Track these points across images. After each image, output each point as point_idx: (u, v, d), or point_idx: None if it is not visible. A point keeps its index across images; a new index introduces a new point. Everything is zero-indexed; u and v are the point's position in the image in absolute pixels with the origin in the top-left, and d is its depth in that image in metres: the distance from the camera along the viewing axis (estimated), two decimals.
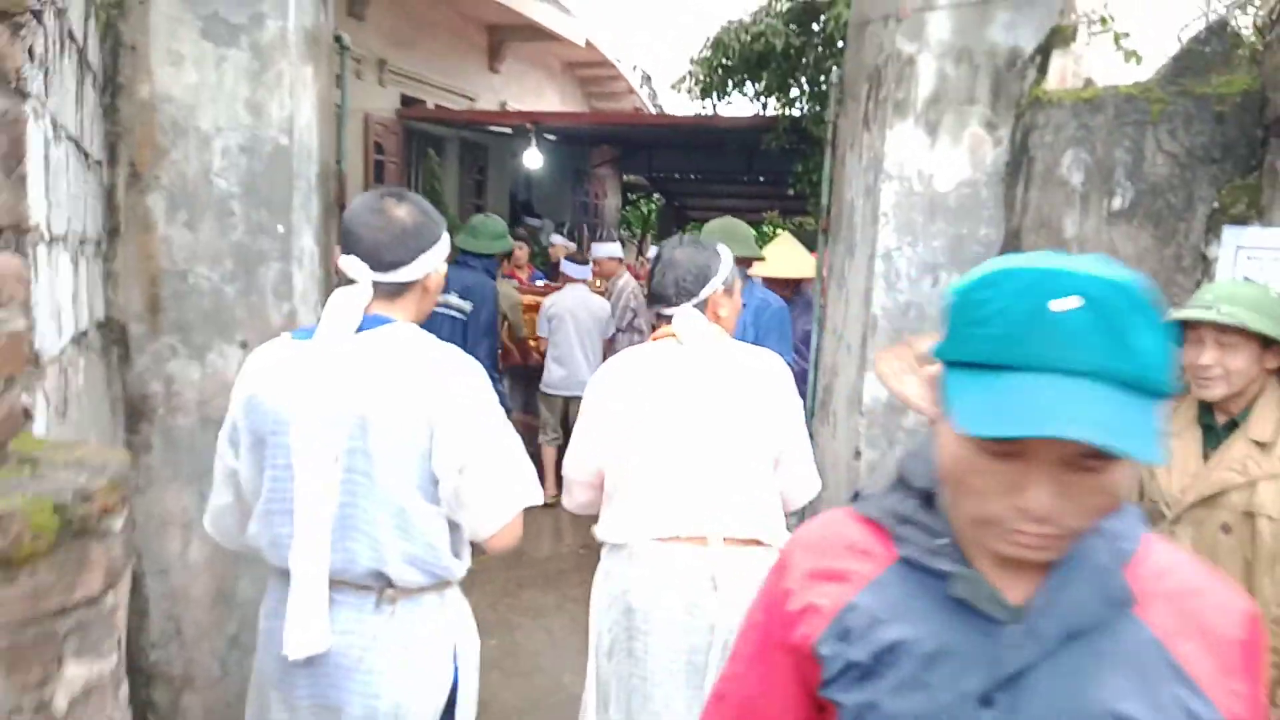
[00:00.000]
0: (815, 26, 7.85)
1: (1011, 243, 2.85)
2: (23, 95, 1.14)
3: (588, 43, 11.18)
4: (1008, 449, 0.81)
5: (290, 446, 1.58)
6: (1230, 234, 2.54)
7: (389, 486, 1.60)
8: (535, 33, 10.25)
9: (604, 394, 2.15)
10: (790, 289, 4.39)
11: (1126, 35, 3.17)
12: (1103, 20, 3.13)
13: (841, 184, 3.38)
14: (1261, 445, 2.00)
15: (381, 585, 1.64)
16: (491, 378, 4.27)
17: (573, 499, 2.26)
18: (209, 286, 2.65)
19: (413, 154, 9.26)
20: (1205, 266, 2.56)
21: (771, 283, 4.29)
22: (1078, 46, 3.01)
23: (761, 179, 11.58)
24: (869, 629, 0.93)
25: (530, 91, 11.97)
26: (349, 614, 1.63)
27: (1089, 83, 2.85)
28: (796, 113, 7.99)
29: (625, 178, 14.49)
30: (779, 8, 7.94)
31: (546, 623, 4.24)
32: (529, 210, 11.62)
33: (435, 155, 9.45)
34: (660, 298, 2.17)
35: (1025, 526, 0.83)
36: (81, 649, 1.13)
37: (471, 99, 10.30)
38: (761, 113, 8.47)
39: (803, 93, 8.09)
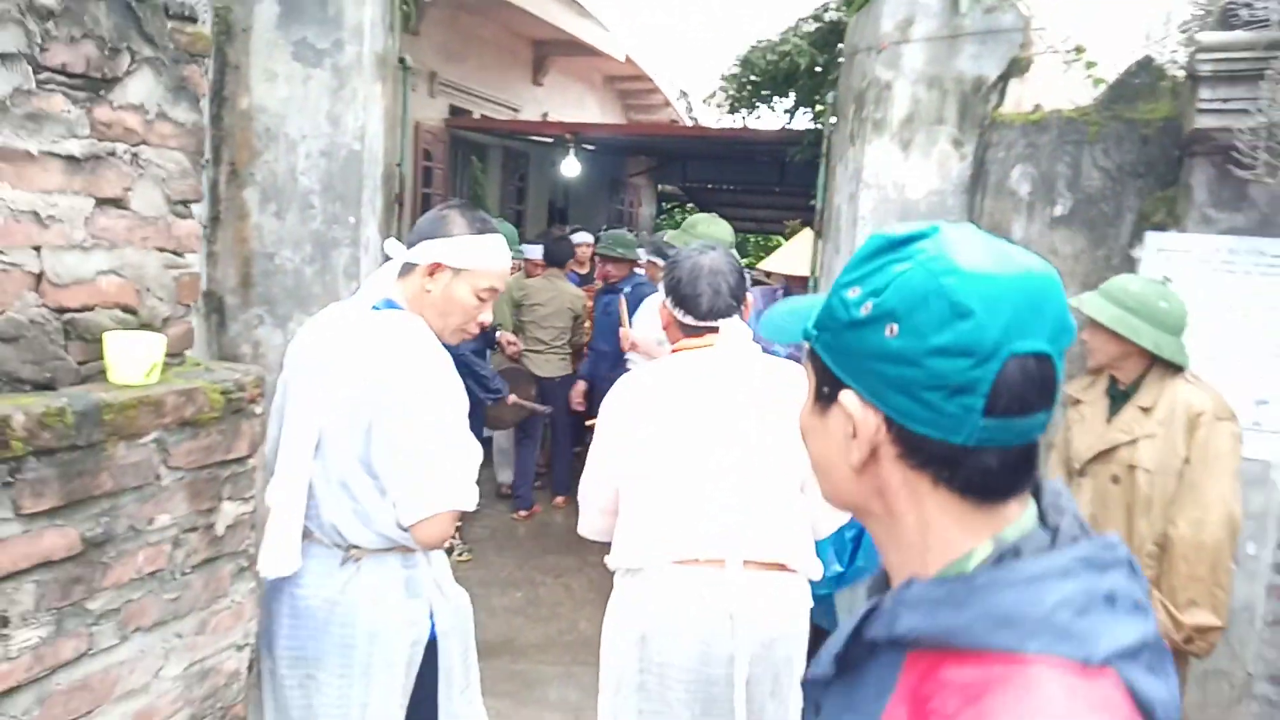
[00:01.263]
0: (840, 45, 8.30)
1: None
2: (200, 111, 1.67)
3: (627, 58, 11.74)
4: None
5: (291, 395, 1.63)
6: (1152, 238, 2.97)
7: (338, 455, 1.60)
8: (577, 48, 10.81)
9: (625, 411, 2.02)
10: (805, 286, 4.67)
11: (1094, 65, 3.61)
12: (1078, 49, 3.58)
13: (832, 191, 3.85)
14: (1145, 410, 2.43)
15: (347, 544, 1.64)
16: (477, 367, 4.42)
17: (589, 524, 2.11)
18: (291, 267, 3.20)
19: (458, 161, 9.87)
20: (1131, 265, 2.99)
21: (790, 280, 4.47)
22: (1034, 72, 3.47)
23: (785, 189, 12.01)
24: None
25: (572, 103, 12.54)
26: (320, 566, 1.63)
27: (1037, 107, 3.29)
28: (821, 126, 8.42)
29: (660, 187, 15.00)
30: (804, 29, 8.40)
31: (566, 580, 4.72)
32: (563, 218, 12.18)
33: (479, 162, 10.05)
34: (709, 310, 1.99)
35: None
36: (233, 493, 1.65)
37: (516, 110, 10.90)
38: (788, 126, 8.93)
39: (826, 108, 8.53)
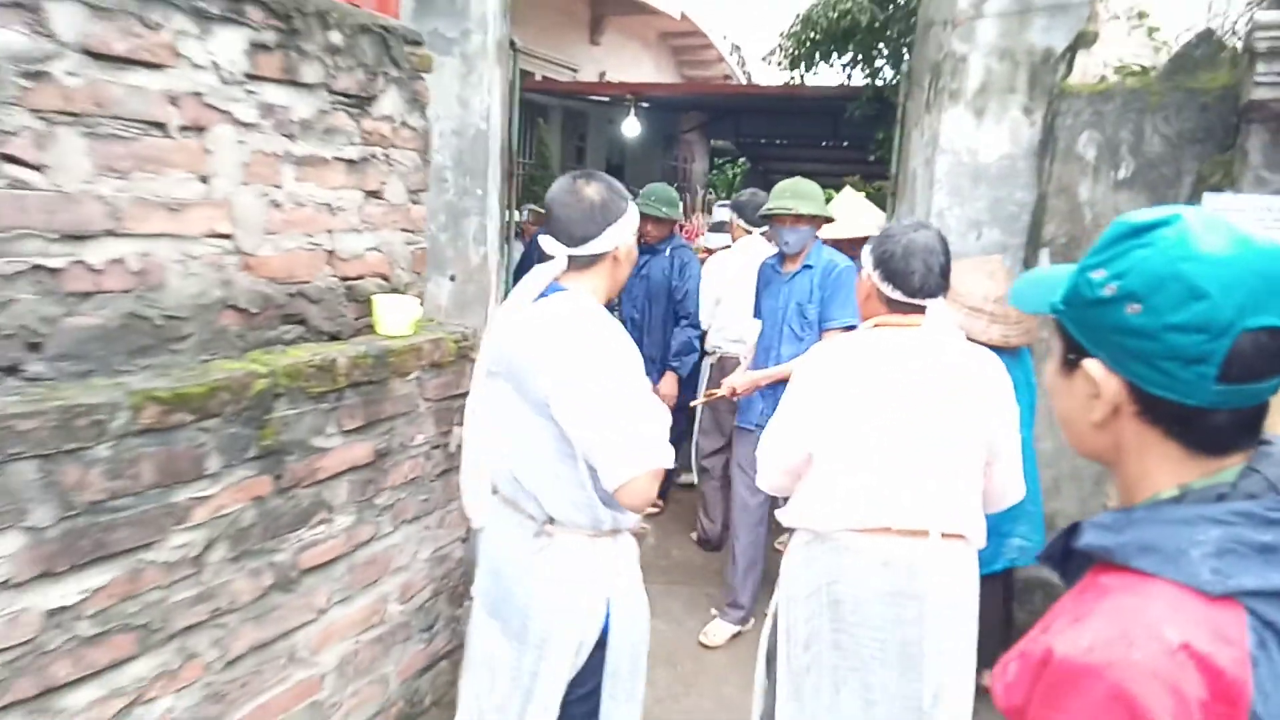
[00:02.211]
0: (900, 0, 8.45)
1: (1040, 204, 3.61)
2: (426, 116, 2.08)
3: (682, 15, 11.91)
4: None
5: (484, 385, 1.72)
6: (1209, 199, 3.26)
7: (534, 436, 1.67)
8: (634, 6, 11.03)
9: (823, 378, 2.06)
10: (857, 247, 4.75)
11: (1158, 29, 3.86)
12: (1140, 14, 3.84)
13: (907, 156, 4.16)
14: None
15: (545, 516, 1.70)
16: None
17: (769, 481, 2.15)
18: (429, 235, 3.63)
19: (525, 123, 10.23)
20: None
21: (840, 243, 4.34)
22: (1102, 41, 3.73)
23: (845, 144, 12.14)
24: None
25: (628, 62, 12.76)
26: (518, 534, 1.72)
27: (1103, 78, 3.57)
28: (879, 83, 8.61)
29: (713, 142, 15.18)
30: None
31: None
32: (620, 175, 12.48)
33: (543, 123, 10.40)
34: (920, 288, 2.01)
35: None
36: (460, 420, 2.09)
37: (574, 70, 11.18)
38: (847, 83, 9.11)
39: (885, 63, 8.71)
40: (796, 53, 9.18)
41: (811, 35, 8.86)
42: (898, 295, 1.99)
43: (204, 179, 1.53)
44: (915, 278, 1.97)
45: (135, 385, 1.35)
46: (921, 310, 2.00)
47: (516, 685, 1.73)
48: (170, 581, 1.42)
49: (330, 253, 1.82)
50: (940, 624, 1.96)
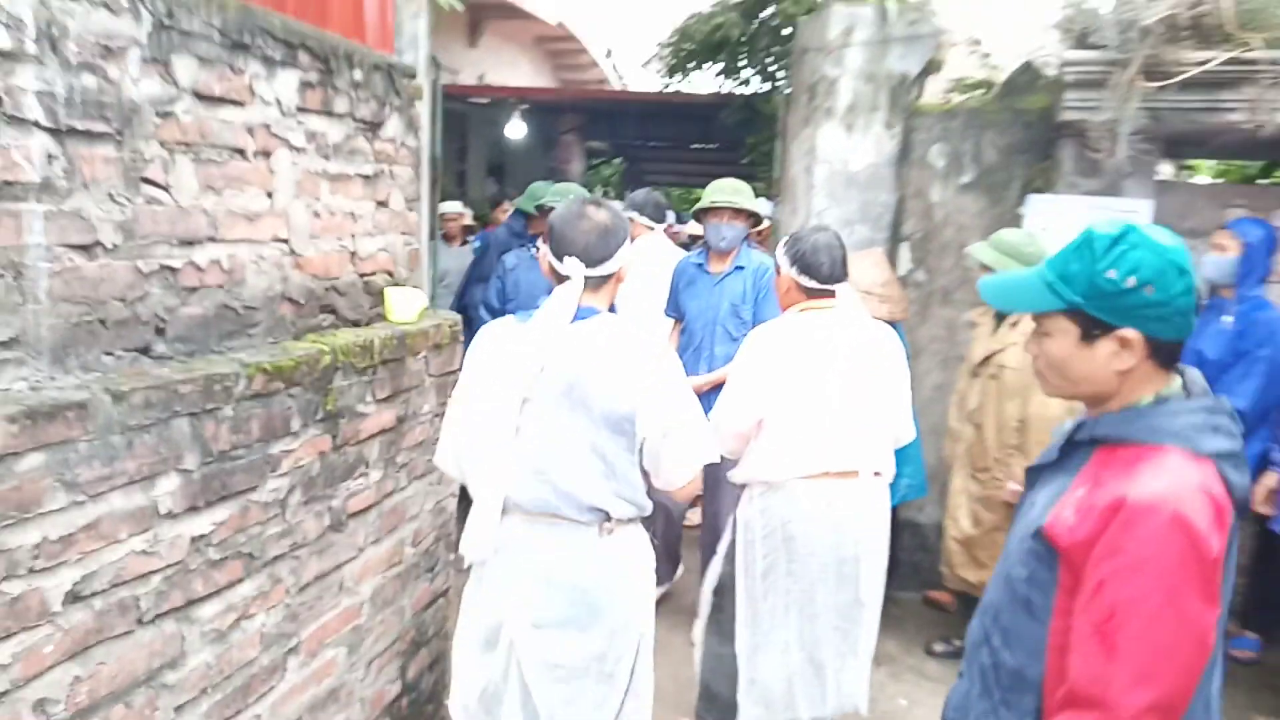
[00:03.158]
0: (765, 14, 9.15)
1: (900, 205, 4.27)
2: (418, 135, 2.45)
3: (560, 24, 12.31)
4: None
5: (516, 400, 1.83)
6: (1034, 200, 3.99)
7: (603, 447, 1.83)
8: (511, 11, 11.35)
9: (767, 355, 2.43)
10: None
11: (989, 55, 4.60)
12: (975, 42, 4.56)
13: (789, 164, 4.76)
14: (1013, 326, 3.40)
15: (601, 518, 1.87)
16: None
17: (727, 445, 2.44)
18: None
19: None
20: (1018, 220, 4.01)
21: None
22: (952, 65, 4.43)
23: (716, 147, 12.83)
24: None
25: (506, 65, 13.05)
26: (567, 539, 1.87)
27: (948, 99, 4.26)
28: (748, 91, 9.28)
29: (589, 144, 15.63)
30: (732, 1, 9.21)
31: None
32: (501, 176, 12.76)
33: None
34: (829, 277, 2.46)
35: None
36: (450, 391, 2.48)
37: (454, 73, 11.38)
38: (719, 90, 9.76)
39: (754, 74, 9.41)
40: (673, 61, 9.76)
41: (687, 46, 9.46)
42: (813, 284, 2.45)
43: (269, 194, 1.87)
44: (825, 268, 2.44)
45: (246, 360, 1.70)
46: (832, 294, 2.46)
47: (604, 678, 1.90)
48: (266, 519, 1.77)
49: (353, 253, 2.18)
50: (869, 545, 2.45)
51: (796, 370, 2.39)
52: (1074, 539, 1.24)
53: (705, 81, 10.50)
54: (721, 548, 2.62)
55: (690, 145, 13.67)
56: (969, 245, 4.05)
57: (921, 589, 4.19)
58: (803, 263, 2.45)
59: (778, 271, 2.57)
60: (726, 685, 2.60)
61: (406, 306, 2.29)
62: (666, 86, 10.42)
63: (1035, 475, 1.44)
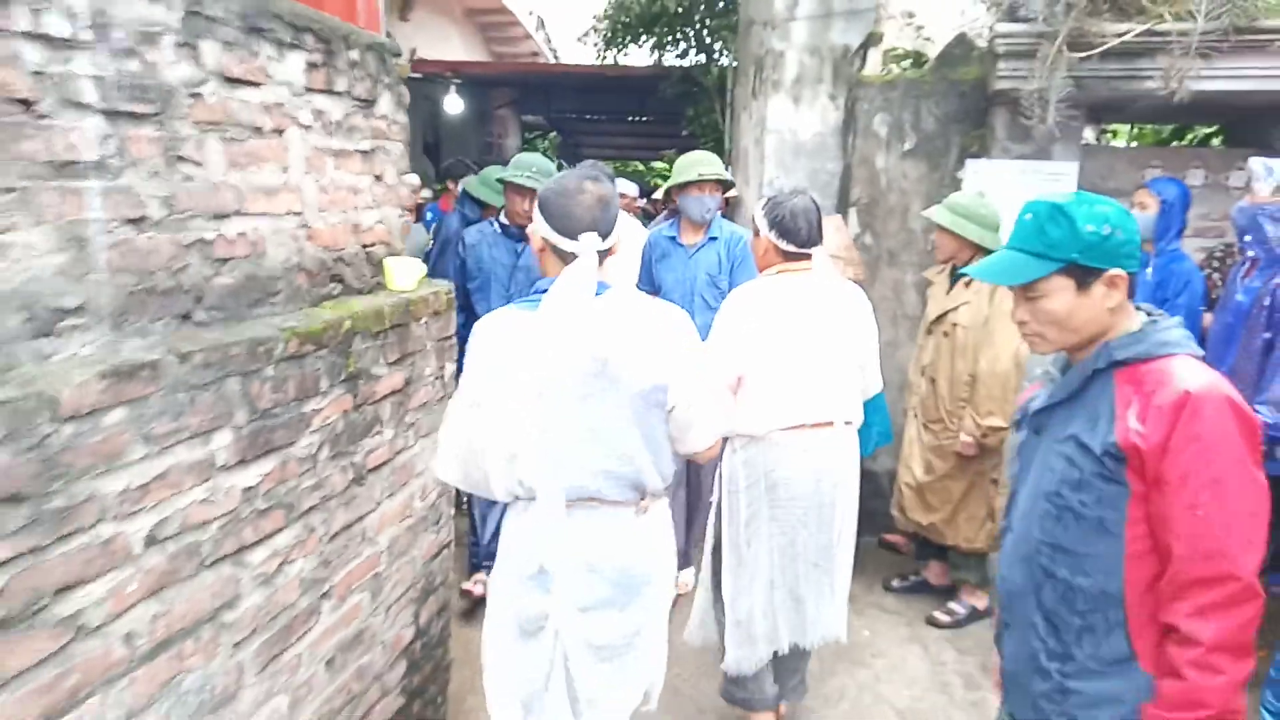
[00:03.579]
0: None
1: (846, 173, 4.50)
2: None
3: None
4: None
5: (538, 390, 1.82)
6: (970, 164, 4.26)
7: (639, 421, 1.86)
8: None
9: (746, 314, 2.56)
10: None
11: (923, 27, 4.84)
12: (910, 14, 4.79)
13: (739, 135, 4.95)
14: (966, 285, 3.68)
15: (637, 497, 1.92)
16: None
17: None
18: None
19: None
20: (957, 184, 4.28)
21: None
22: (888, 37, 4.66)
23: (653, 120, 12.95)
24: (1030, 401, 1.71)
25: (437, 38, 12.92)
26: (612, 522, 1.91)
27: (889, 70, 4.49)
28: (686, 64, 9.44)
29: (524, 118, 15.58)
30: None
31: None
32: (437, 152, 12.66)
33: None
34: (807, 241, 2.59)
35: (1021, 330, 1.61)
36: (450, 357, 2.62)
37: None
38: (657, 63, 9.88)
39: (691, 46, 9.55)
40: (610, 34, 9.85)
41: (624, 20, 9.55)
42: (791, 247, 2.57)
43: (284, 169, 1.98)
44: (803, 233, 2.57)
45: (281, 325, 1.83)
46: (808, 257, 2.60)
47: (641, 652, 1.99)
48: (301, 472, 1.90)
49: (355, 225, 2.30)
50: (843, 489, 2.67)
51: (774, 328, 2.53)
52: (1152, 441, 1.42)
53: (641, 55, 10.62)
54: (713, 511, 2.76)
55: (627, 118, 13.76)
56: (913, 209, 4.31)
57: (877, 533, 4.48)
58: (781, 227, 2.57)
59: (755, 233, 2.69)
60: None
61: (406, 275, 2.41)
62: (603, 60, 10.51)
63: (1046, 417, 1.62)
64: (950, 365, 3.65)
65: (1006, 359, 3.48)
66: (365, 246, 2.36)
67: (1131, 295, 1.57)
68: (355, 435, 2.11)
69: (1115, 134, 6.41)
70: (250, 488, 1.74)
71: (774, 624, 2.71)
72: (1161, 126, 6.12)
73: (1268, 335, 3.11)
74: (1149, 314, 1.59)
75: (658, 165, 16.15)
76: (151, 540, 1.49)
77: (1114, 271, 1.51)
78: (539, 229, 1.91)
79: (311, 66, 2.06)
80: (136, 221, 1.58)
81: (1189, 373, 1.45)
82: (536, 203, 1.92)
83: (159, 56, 1.61)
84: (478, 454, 1.90)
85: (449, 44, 13.38)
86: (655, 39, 9.76)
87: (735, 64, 5.09)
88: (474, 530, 3.82)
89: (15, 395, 1.24)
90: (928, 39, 4.78)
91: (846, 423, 2.66)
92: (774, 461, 2.57)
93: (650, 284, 3.81)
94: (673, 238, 3.80)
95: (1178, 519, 1.40)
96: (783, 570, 2.67)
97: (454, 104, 10.81)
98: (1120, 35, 3.61)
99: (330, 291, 2.19)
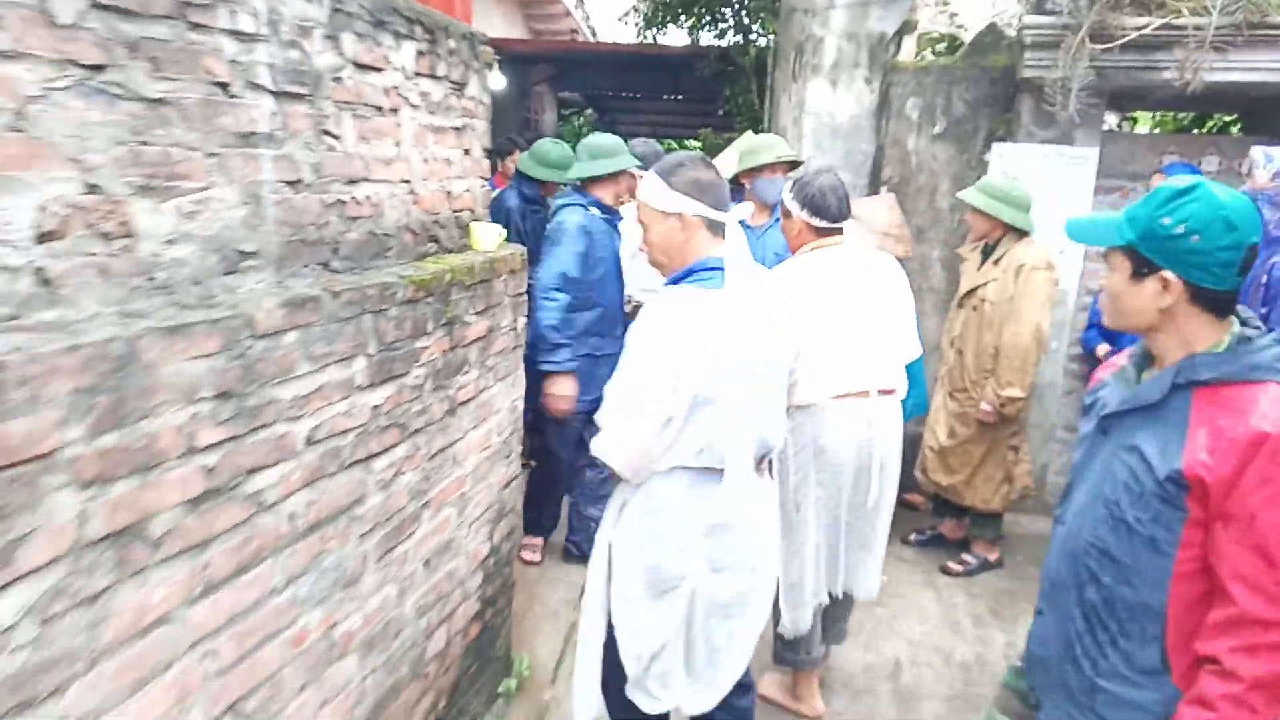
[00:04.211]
0: None
1: (879, 153, 4.78)
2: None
3: None
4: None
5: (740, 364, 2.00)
6: (997, 148, 4.52)
7: (781, 389, 2.12)
8: None
9: (799, 290, 2.60)
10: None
11: (957, 14, 5.09)
12: (944, 2, 5.05)
13: (777, 115, 5.24)
14: (995, 263, 3.96)
15: (767, 451, 2.11)
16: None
17: None
18: None
19: None
20: (984, 166, 4.55)
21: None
22: (922, 23, 4.92)
23: (688, 98, 13.18)
24: (1095, 391, 1.70)
25: (479, 16, 13.19)
26: (751, 489, 2.06)
27: (922, 56, 4.76)
28: (725, 44, 9.68)
29: (560, 95, 15.86)
30: None
31: None
32: None
33: None
34: (838, 216, 2.72)
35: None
36: (522, 313, 2.97)
37: None
38: (695, 43, 10.13)
39: (729, 26, 9.80)
40: (650, 14, 10.11)
41: (663, 0, 9.82)
42: (823, 224, 2.69)
43: (397, 143, 2.33)
44: (833, 209, 2.69)
45: (401, 274, 2.18)
46: (840, 232, 2.73)
47: (758, 607, 2.18)
48: (411, 399, 2.26)
49: (449, 193, 2.64)
50: (886, 455, 2.79)
51: (820, 303, 2.61)
52: (1219, 474, 1.38)
53: (679, 35, 10.86)
54: None
55: (662, 96, 13.99)
56: (941, 188, 4.60)
57: (899, 492, 4.79)
58: (812, 205, 2.70)
59: (786, 215, 2.81)
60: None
61: (488, 237, 2.76)
62: (642, 39, 10.77)
63: (1115, 420, 1.58)
64: (977, 338, 3.93)
65: (1028, 334, 3.75)
66: (455, 211, 2.70)
67: (1227, 311, 1.49)
68: (450, 372, 2.47)
69: (1136, 121, 6.61)
70: (376, 406, 2.10)
71: (819, 581, 2.88)
72: (1182, 115, 6.32)
73: (1264, 309, 3.38)
74: (1243, 322, 1.49)
75: (691, 144, 16.34)
76: (309, 440, 1.86)
77: (1166, 273, 1.45)
78: (692, 208, 2.04)
79: (420, 54, 2.40)
80: (294, 184, 1.93)
81: (1273, 408, 1.38)
82: (685, 181, 2.04)
83: (312, 47, 1.95)
84: (664, 436, 1.97)
85: (490, 21, 13.66)
86: (694, 19, 10.02)
87: (774, 46, 5.36)
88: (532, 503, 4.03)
89: (227, 315, 1.60)
90: (961, 26, 5.03)
91: (889, 391, 2.78)
92: (820, 428, 2.68)
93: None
94: (741, 220, 3.91)
95: (1241, 557, 1.38)
96: (826, 532, 2.81)
97: (497, 80, 11.11)
98: (1139, 28, 3.85)
99: (428, 250, 2.54)
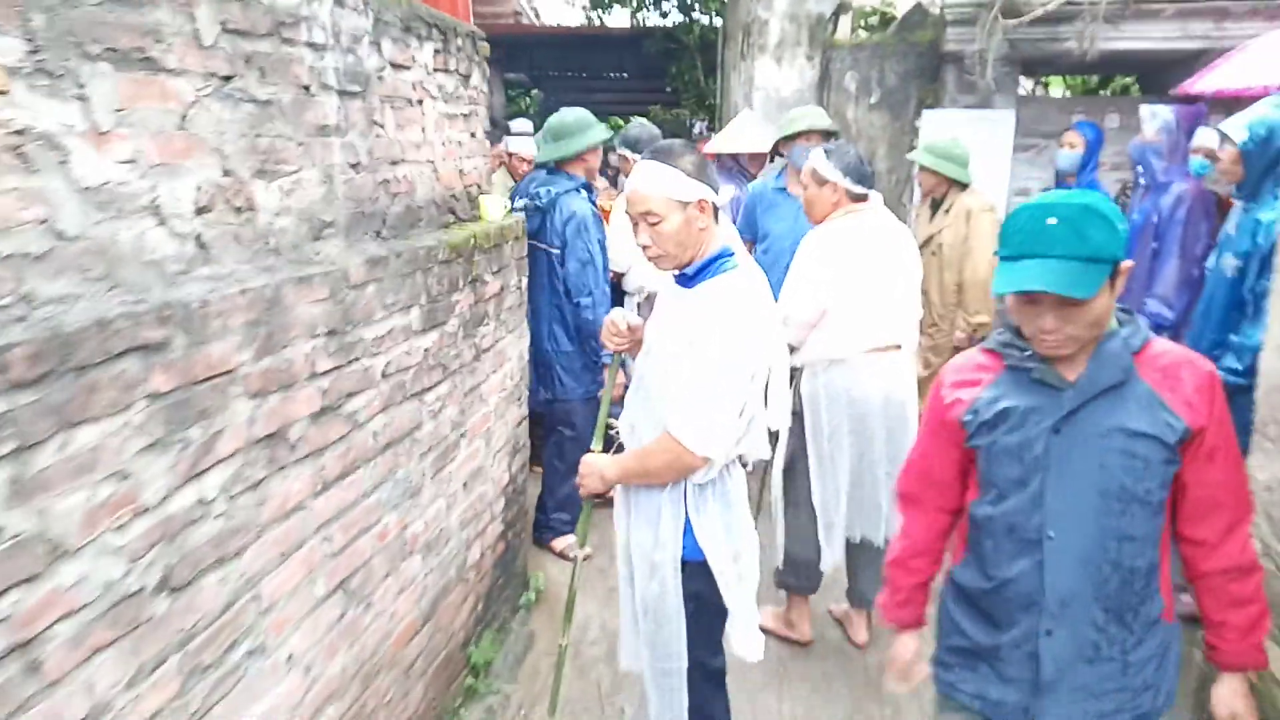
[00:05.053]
0: None
1: None
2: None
3: None
4: (1027, 299, 1.51)
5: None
6: (927, 114, 5.06)
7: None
8: None
9: (828, 254, 2.87)
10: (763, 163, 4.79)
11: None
12: None
13: (729, 91, 5.71)
14: (946, 212, 4.46)
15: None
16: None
17: (797, 335, 2.92)
18: None
19: None
20: (915, 131, 5.08)
21: (751, 158, 4.78)
22: (858, 1, 5.43)
23: (633, 77, 13.56)
24: (990, 404, 1.65)
25: None
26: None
27: (856, 31, 5.27)
28: (670, 24, 10.10)
29: (506, 75, 16.10)
30: None
31: None
32: None
33: None
34: (871, 182, 2.96)
35: (1044, 338, 1.53)
36: (524, 275, 3.41)
37: None
38: (640, 24, 10.52)
39: (673, 6, 10.22)
40: None
41: None
42: (860, 189, 2.93)
43: (423, 130, 2.75)
44: (869, 175, 2.95)
45: (440, 238, 2.61)
46: (867, 198, 2.98)
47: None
48: (449, 344, 2.70)
49: (461, 171, 3.07)
50: (908, 405, 3.03)
51: (851, 265, 2.85)
52: (1206, 417, 1.54)
53: (624, 17, 11.23)
54: (782, 433, 3.04)
55: (607, 74, 14.35)
56: (879, 153, 5.11)
57: None
58: (856, 171, 2.93)
59: (820, 184, 2.97)
60: (808, 548, 3.11)
61: (495, 209, 3.20)
62: (589, 20, 11.14)
63: (1073, 416, 1.57)
64: (940, 277, 4.44)
65: (985, 267, 4.24)
66: (466, 186, 3.13)
67: None
68: (475, 323, 2.91)
69: (1049, 84, 7.23)
70: (427, 349, 2.54)
71: (852, 520, 3.09)
72: (1088, 78, 6.95)
73: (1155, 245, 3.97)
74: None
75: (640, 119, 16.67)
76: (384, 374, 2.30)
77: (1127, 261, 1.52)
78: (709, 194, 2.01)
79: (436, 52, 2.82)
80: (355, 166, 2.35)
81: (1184, 350, 1.60)
82: (697, 166, 2.00)
83: (362, 52, 2.37)
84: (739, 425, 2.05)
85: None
86: (638, 1, 10.42)
87: (722, 28, 5.82)
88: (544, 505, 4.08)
89: (331, 269, 2.03)
90: (890, 4, 5.56)
91: (912, 345, 3.05)
92: (851, 381, 2.91)
93: (753, 234, 4.03)
94: (781, 189, 3.99)
95: (1228, 475, 1.56)
96: (860, 476, 3.02)
97: None
98: (1044, 4, 4.40)
99: (448, 220, 2.98)
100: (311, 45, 2.14)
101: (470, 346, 2.88)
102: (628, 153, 4.32)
